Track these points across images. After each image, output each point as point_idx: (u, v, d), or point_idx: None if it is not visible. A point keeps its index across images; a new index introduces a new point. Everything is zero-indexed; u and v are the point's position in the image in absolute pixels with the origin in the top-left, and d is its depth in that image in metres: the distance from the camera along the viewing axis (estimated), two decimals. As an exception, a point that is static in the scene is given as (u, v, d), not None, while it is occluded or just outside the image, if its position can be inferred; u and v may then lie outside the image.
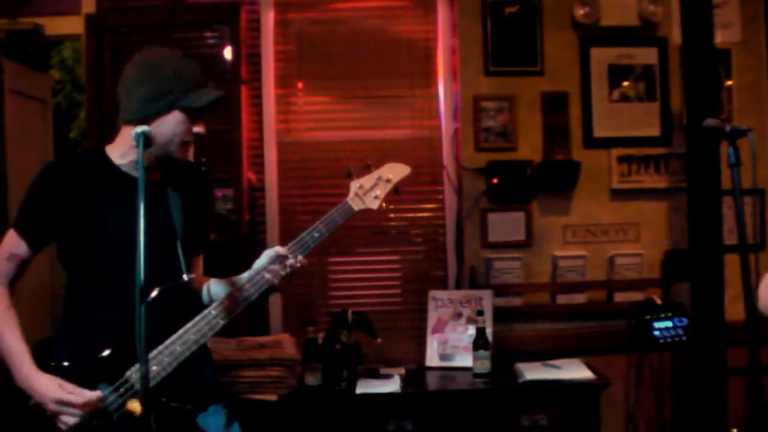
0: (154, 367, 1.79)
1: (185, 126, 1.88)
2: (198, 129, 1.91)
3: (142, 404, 1.57)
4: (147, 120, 1.83)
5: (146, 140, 1.72)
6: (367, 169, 2.09)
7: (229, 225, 3.36)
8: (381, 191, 2.07)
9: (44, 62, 4.33)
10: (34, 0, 3.46)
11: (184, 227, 1.93)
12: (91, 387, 1.80)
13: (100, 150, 1.96)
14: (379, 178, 2.07)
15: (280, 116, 3.54)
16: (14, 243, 1.91)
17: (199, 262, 2.15)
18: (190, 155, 3.41)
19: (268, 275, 1.91)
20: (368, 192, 2.06)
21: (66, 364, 1.82)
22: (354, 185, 2.07)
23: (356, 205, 2.04)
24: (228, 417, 2.00)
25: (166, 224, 1.88)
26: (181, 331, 1.84)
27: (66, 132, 4.43)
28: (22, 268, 1.94)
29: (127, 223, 1.79)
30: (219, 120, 3.48)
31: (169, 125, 1.86)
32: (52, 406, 1.77)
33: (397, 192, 2.11)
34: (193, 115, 1.89)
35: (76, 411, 1.77)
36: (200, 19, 3.49)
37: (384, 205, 2.07)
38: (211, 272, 2.15)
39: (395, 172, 2.10)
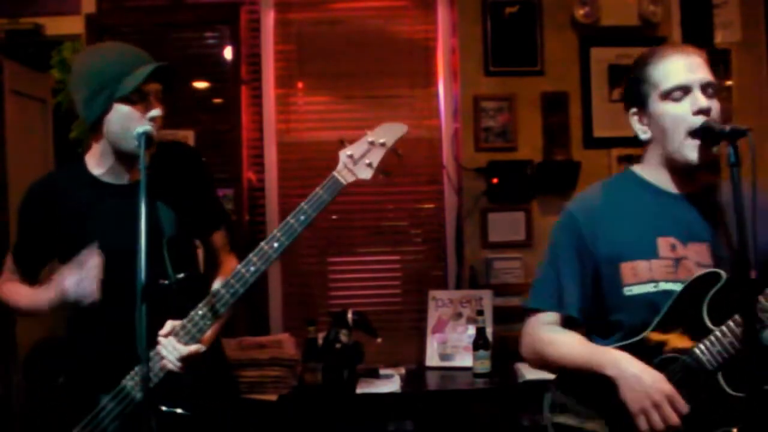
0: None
1: (134, 115, 1.77)
2: (153, 112, 1.79)
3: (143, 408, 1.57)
4: (96, 123, 1.81)
5: (147, 140, 1.71)
6: (360, 132, 1.85)
7: (229, 225, 3.36)
8: (374, 158, 1.79)
9: (44, 62, 4.31)
10: (34, 0, 3.46)
11: (178, 221, 1.88)
12: (92, 399, 1.81)
13: (80, 162, 1.93)
14: (372, 143, 1.80)
15: (280, 116, 3.54)
16: (12, 266, 1.98)
17: (221, 239, 2.08)
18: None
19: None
20: (359, 161, 1.79)
21: (62, 380, 1.86)
22: (343, 155, 1.80)
23: (345, 178, 1.79)
24: None
25: (151, 226, 1.75)
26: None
27: (66, 132, 4.40)
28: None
29: (116, 232, 1.79)
30: (219, 120, 3.49)
31: (116, 120, 1.78)
32: (72, 287, 1.76)
33: (397, 155, 1.83)
34: (134, 101, 1.77)
35: (93, 270, 1.75)
36: (200, 19, 3.49)
37: (381, 174, 1.81)
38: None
39: (389, 133, 1.81)
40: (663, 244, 1.69)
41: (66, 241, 1.87)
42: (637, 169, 1.81)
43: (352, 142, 1.83)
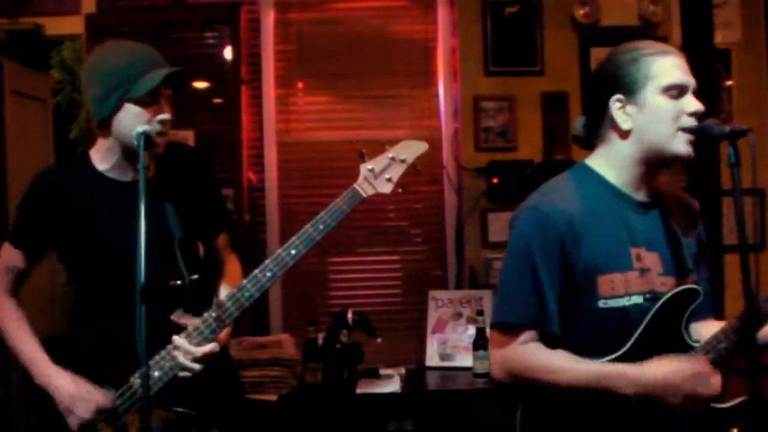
0: (156, 373, 1.77)
1: (144, 116, 1.77)
2: (163, 116, 1.80)
3: (142, 409, 1.57)
4: (105, 121, 1.81)
5: (147, 140, 1.71)
6: (380, 148, 1.88)
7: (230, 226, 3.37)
8: (395, 173, 1.84)
9: (44, 62, 4.32)
10: (34, 0, 3.46)
11: (185, 223, 1.88)
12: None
13: (84, 157, 1.93)
14: (393, 159, 1.85)
15: (280, 116, 3.54)
16: (11, 255, 1.93)
17: (223, 239, 2.10)
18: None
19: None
20: (380, 175, 1.84)
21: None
22: (364, 168, 1.84)
23: (365, 191, 1.83)
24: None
25: (161, 226, 1.83)
26: (182, 335, 1.80)
27: (66, 132, 4.41)
28: (21, 277, 1.96)
29: (121, 229, 1.78)
30: (219, 120, 3.49)
31: (126, 120, 1.78)
32: (66, 401, 1.79)
33: (415, 169, 1.87)
34: (147, 102, 1.78)
35: (89, 406, 1.78)
36: (200, 19, 3.50)
37: (400, 189, 1.85)
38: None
39: (410, 150, 1.87)
40: (633, 254, 1.65)
41: (71, 237, 1.86)
42: (596, 167, 1.72)
43: (371, 154, 1.87)
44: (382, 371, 3.07)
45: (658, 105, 1.63)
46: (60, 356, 1.88)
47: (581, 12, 3.43)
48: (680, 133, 1.62)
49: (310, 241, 1.79)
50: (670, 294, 1.63)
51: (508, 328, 1.63)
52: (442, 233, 3.52)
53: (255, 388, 2.81)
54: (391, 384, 2.91)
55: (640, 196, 1.70)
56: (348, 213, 1.81)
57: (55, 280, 3.77)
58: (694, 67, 1.72)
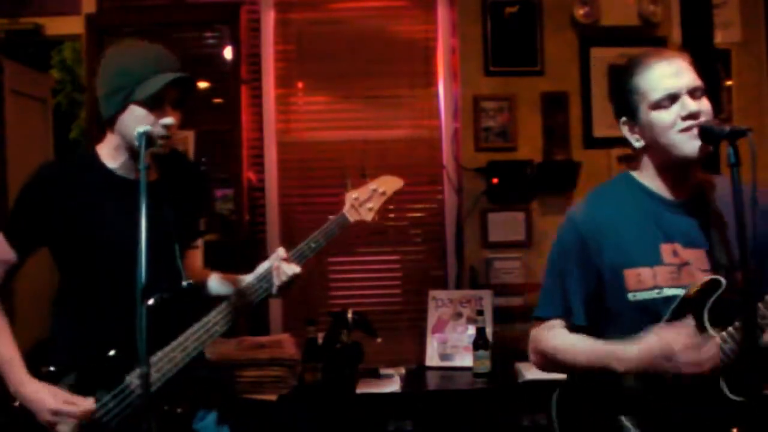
0: (154, 374, 1.77)
1: (148, 119, 1.79)
2: (166, 120, 1.81)
3: (143, 410, 1.58)
4: (111, 119, 1.84)
5: (148, 140, 1.72)
6: (362, 179, 2.12)
7: (229, 225, 3.37)
8: (375, 203, 2.10)
9: (44, 62, 4.33)
10: (34, 0, 3.46)
11: (180, 227, 1.91)
12: (89, 393, 1.80)
13: (92, 153, 1.94)
14: (374, 191, 2.10)
15: (280, 116, 3.54)
16: (2, 249, 1.89)
17: (196, 255, 2.14)
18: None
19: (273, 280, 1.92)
20: (363, 204, 2.08)
21: (60, 368, 1.82)
22: (350, 197, 2.08)
23: (352, 217, 2.07)
24: (218, 420, 1.99)
25: (163, 227, 1.84)
26: (180, 339, 1.83)
27: (66, 132, 4.43)
28: (10, 273, 1.92)
29: (125, 227, 1.78)
30: (219, 120, 3.49)
31: (129, 121, 1.80)
32: (47, 416, 1.76)
33: (388, 207, 2.15)
34: (150, 106, 1.79)
35: (72, 421, 1.76)
36: (200, 19, 3.50)
37: (377, 217, 2.11)
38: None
39: (389, 185, 2.13)
40: (666, 250, 1.71)
41: (72, 232, 1.85)
42: (635, 174, 1.81)
43: (354, 177, 2.14)
44: (382, 371, 3.07)
45: (653, 120, 1.69)
46: (61, 355, 1.88)
47: (581, 12, 3.43)
48: (682, 135, 1.66)
49: (302, 258, 1.96)
50: (692, 285, 1.67)
51: (540, 322, 1.85)
52: (442, 233, 3.52)
53: (255, 388, 2.81)
54: (391, 384, 2.91)
55: (677, 196, 1.75)
56: (338, 234, 2.04)
57: (55, 280, 3.76)
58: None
